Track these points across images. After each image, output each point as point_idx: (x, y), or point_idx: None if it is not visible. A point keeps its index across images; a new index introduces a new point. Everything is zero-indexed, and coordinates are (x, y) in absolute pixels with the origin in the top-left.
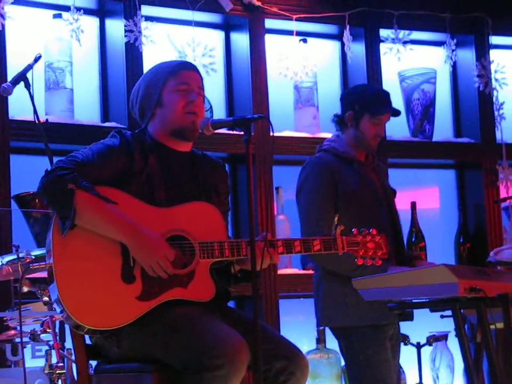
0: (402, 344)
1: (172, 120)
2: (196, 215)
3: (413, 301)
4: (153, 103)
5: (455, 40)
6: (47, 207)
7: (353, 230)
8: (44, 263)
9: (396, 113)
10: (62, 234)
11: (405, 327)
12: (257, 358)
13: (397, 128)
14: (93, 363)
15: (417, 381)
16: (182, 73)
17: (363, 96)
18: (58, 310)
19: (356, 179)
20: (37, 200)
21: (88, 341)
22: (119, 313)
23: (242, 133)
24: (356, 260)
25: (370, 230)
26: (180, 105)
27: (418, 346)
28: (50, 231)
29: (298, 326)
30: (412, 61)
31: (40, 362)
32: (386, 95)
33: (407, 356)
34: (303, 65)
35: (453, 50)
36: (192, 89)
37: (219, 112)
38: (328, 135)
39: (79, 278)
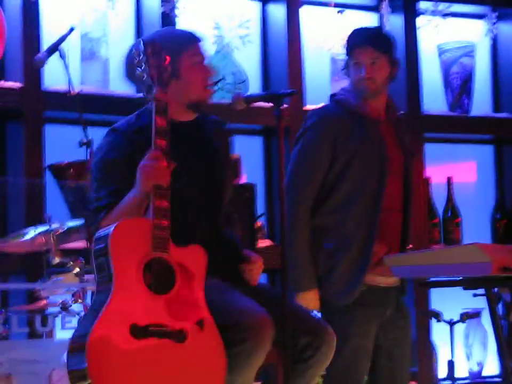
0: (435, 321)
1: (190, 93)
2: None
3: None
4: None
5: (496, 13)
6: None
7: None
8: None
9: None
10: None
11: (437, 304)
12: (285, 333)
13: (435, 102)
14: None
15: (450, 357)
16: (196, 45)
17: None
18: None
19: (359, 140)
20: (71, 170)
21: None
22: None
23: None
24: None
25: None
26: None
27: (451, 323)
28: None
29: None
30: (451, 34)
31: (70, 334)
32: None
33: (440, 332)
34: (340, 37)
35: (493, 23)
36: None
37: (254, 84)
38: None
39: None
